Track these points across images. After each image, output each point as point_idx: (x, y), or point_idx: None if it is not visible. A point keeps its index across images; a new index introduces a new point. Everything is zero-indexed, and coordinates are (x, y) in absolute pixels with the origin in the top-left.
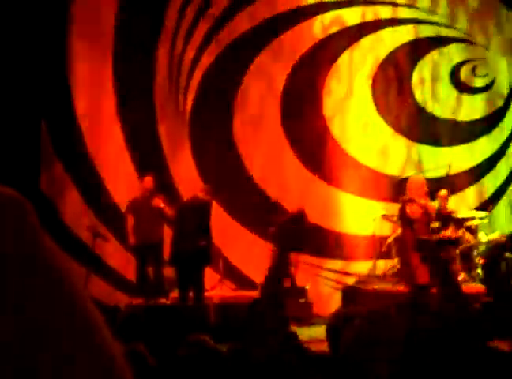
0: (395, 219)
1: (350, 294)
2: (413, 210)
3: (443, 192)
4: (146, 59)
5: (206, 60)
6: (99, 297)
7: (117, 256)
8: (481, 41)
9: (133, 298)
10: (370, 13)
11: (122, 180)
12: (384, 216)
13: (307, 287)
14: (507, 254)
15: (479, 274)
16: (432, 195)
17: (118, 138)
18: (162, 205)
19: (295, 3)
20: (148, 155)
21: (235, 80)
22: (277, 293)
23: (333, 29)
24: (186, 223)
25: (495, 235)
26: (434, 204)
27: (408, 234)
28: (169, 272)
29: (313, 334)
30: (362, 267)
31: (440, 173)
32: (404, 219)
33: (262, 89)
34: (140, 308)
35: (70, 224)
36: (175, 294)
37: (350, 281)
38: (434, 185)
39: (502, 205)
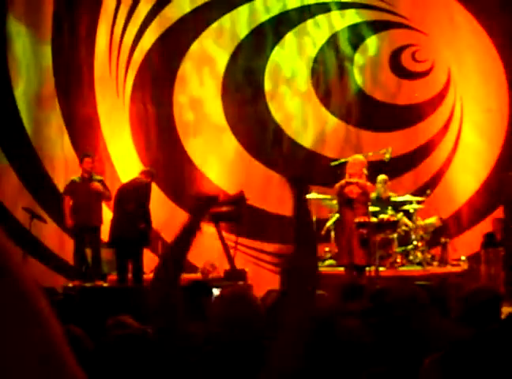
0: (334, 202)
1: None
2: (351, 189)
3: (382, 176)
4: (86, 40)
5: (147, 41)
6: (36, 278)
7: (54, 237)
8: (422, 26)
9: (70, 280)
10: None
11: (60, 161)
12: (323, 200)
13: (247, 270)
14: (442, 239)
15: (416, 257)
16: (371, 179)
17: (58, 119)
18: (101, 188)
19: None
20: (86, 136)
21: (176, 62)
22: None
23: (275, 12)
24: (125, 206)
25: (431, 220)
26: (371, 186)
27: (347, 216)
28: (108, 254)
29: None
30: None
31: (379, 157)
32: (342, 200)
33: (202, 71)
34: (77, 290)
35: (7, 205)
36: (113, 276)
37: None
38: (374, 170)
39: (439, 190)
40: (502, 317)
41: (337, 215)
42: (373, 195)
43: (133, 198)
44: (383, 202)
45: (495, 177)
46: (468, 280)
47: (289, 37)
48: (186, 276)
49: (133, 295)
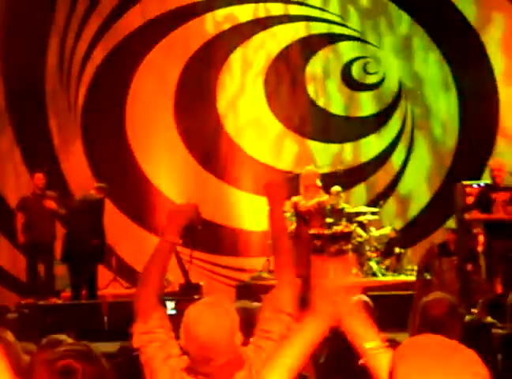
0: (289, 214)
1: (244, 290)
2: (306, 204)
3: (336, 188)
4: (36, 54)
5: (98, 55)
6: None
7: (6, 254)
8: (372, 39)
9: (23, 297)
10: (262, 9)
11: (12, 176)
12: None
13: (202, 284)
14: (397, 249)
15: (371, 268)
16: (325, 191)
17: (8, 133)
18: (54, 206)
19: (187, 0)
20: (38, 151)
21: (127, 76)
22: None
23: (225, 26)
24: (78, 221)
25: (385, 230)
26: (328, 199)
27: (302, 227)
28: (61, 270)
29: None
30: (256, 263)
31: (332, 169)
32: (297, 213)
33: (154, 85)
34: (30, 307)
35: None
36: (67, 293)
37: (245, 277)
38: (327, 181)
39: (392, 201)
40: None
41: (293, 227)
42: (327, 207)
43: (86, 214)
44: (337, 213)
45: (448, 187)
46: (421, 290)
47: (241, 50)
48: None
49: (87, 311)
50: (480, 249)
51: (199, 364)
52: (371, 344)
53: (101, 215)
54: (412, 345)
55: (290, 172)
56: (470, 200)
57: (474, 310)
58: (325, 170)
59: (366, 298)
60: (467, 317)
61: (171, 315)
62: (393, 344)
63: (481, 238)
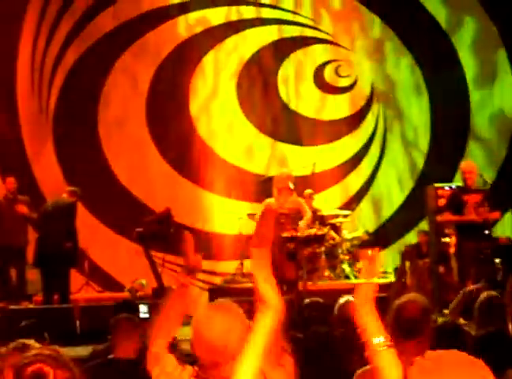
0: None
1: (217, 294)
2: (280, 204)
3: (308, 191)
4: (7, 57)
5: (70, 58)
6: None
7: None
8: (344, 42)
9: None
10: (235, 13)
11: None
12: (250, 215)
13: (175, 287)
14: (369, 252)
15: (343, 270)
16: (298, 194)
17: None
18: (26, 211)
19: (159, 3)
20: (10, 155)
21: (99, 80)
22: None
23: (198, 29)
24: (50, 226)
25: (358, 233)
26: (301, 203)
27: (276, 230)
28: (33, 274)
29: (182, 333)
30: (229, 266)
31: (305, 172)
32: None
33: (127, 89)
34: (2, 311)
35: None
36: (39, 297)
37: (217, 280)
38: (300, 184)
39: (364, 204)
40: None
41: None
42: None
43: (58, 217)
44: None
45: (420, 189)
46: (394, 292)
47: (213, 53)
48: (114, 295)
49: (59, 315)
50: (452, 250)
51: (208, 369)
52: (378, 340)
53: (73, 218)
54: (432, 359)
55: (263, 175)
56: (442, 202)
57: (446, 311)
58: (298, 173)
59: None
60: (439, 319)
61: (143, 319)
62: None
63: (453, 240)
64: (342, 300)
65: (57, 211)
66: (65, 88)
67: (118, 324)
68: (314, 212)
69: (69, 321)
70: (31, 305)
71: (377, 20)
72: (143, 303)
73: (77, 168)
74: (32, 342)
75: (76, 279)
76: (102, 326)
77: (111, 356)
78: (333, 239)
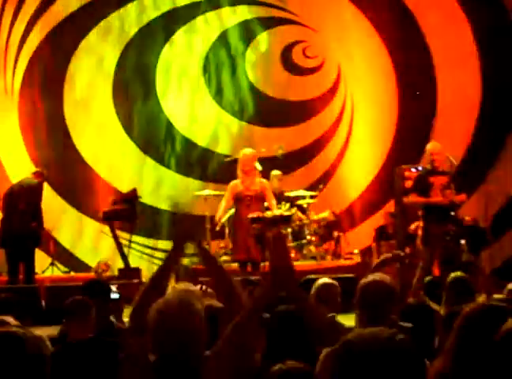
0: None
1: (184, 274)
2: (247, 187)
3: (276, 172)
4: None
5: (35, 38)
6: None
7: None
8: (311, 23)
9: None
10: None
11: None
12: (216, 196)
13: (141, 268)
14: (335, 233)
15: (310, 251)
16: (265, 175)
17: None
18: None
19: None
20: None
21: (65, 59)
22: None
23: (165, 8)
24: (15, 206)
25: (324, 214)
26: (266, 187)
27: (243, 212)
28: None
29: None
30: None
31: (272, 153)
32: (237, 198)
33: (92, 68)
34: None
35: None
36: (4, 277)
37: (184, 261)
38: (267, 165)
39: (331, 185)
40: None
41: (232, 211)
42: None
43: (23, 198)
44: (277, 197)
45: (387, 171)
46: (361, 274)
47: (181, 33)
48: (80, 276)
49: (24, 296)
50: (419, 232)
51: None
52: None
53: (38, 199)
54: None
55: (229, 156)
56: (409, 184)
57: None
58: (265, 154)
59: (333, 281)
60: (409, 300)
61: (114, 299)
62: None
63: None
64: (321, 281)
65: (21, 191)
66: (30, 68)
67: (73, 307)
68: (281, 193)
69: (35, 301)
70: None
71: (345, 0)
72: (112, 284)
73: (42, 149)
74: (10, 319)
75: (42, 259)
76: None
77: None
78: (300, 220)
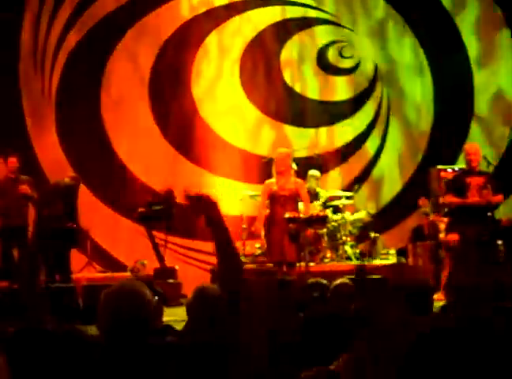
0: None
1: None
2: (281, 186)
3: (313, 172)
4: (10, 38)
5: (72, 40)
6: None
7: None
8: (347, 23)
9: None
10: None
11: None
12: (252, 196)
13: (177, 268)
14: (371, 234)
15: (346, 252)
16: (302, 175)
17: None
18: (29, 191)
19: None
20: (12, 136)
21: (101, 61)
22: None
23: (201, 10)
24: (51, 206)
25: (360, 215)
26: (302, 186)
27: (277, 212)
28: None
29: (182, 314)
30: None
31: (308, 153)
32: (272, 197)
33: (129, 70)
34: (5, 291)
35: None
36: (41, 277)
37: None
38: (303, 166)
39: (367, 185)
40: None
41: (267, 212)
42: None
43: (58, 198)
44: (312, 197)
45: (422, 171)
46: (396, 274)
47: (216, 34)
48: (116, 275)
49: (61, 295)
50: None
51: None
52: None
53: (73, 200)
54: None
55: (265, 157)
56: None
57: None
58: (301, 154)
59: (348, 281)
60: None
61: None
62: None
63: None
64: (337, 281)
65: (57, 192)
66: (67, 70)
67: None
68: (317, 193)
69: (72, 300)
70: None
71: (380, 0)
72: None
73: (79, 149)
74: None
75: (78, 259)
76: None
77: None
78: (335, 221)
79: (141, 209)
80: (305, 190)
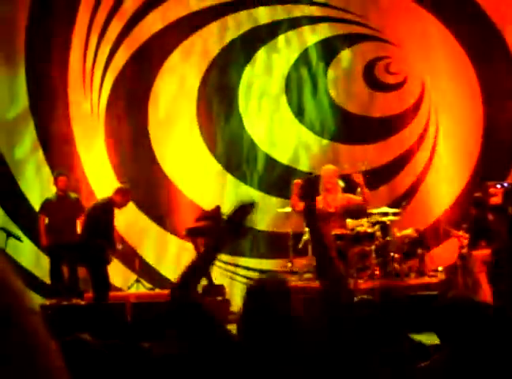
0: None
1: None
2: (328, 203)
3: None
4: (59, 58)
5: (120, 59)
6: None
7: (30, 256)
8: (393, 39)
9: (47, 298)
10: (283, 11)
11: (36, 179)
12: (299, 212)
13: (224, 285)
14: (419, 250)
15: (394, 269)
16: (351, 192)
17: (32, 136)
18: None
19: (208, 2)
20: (61, 154)
21: (149, 79)
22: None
23: (246, 28)
24: (85, 224)
25: (408, 231)
26: (350, 197)
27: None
28: (85, 271)
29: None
30: (278, 264)
31: (355, 170)
32: (319, 213)
33: (175, 88)
34: (54, 308)
35: None
36: (90, 294)
37: None
38: (349, 182)
39: (415, 202)
40: None
41: None
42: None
43: (90, 216)
44: (361, 214)
45: (472, 187)
46: (445, 291)
47: (262, 52)
48: (164, 292)
49: (110, 313)
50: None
51: None
52: None
53: (107, 217)
54: None
55: (310, 173)
56: (494, 200)
57: None
58: (348, 171)
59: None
60: None
61: None
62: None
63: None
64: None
65: (91, 210)
66: (115, 89)
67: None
68: (365, 209)
69: (122, 318)
70: (82, 302)
71: (426, 14)
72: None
73: (127, 167)
74: (86, 336)
75: (127, 276)
76: (153, 323)
77: None
78: (383, 237)
79: (188, 226)
80: (355, 197)
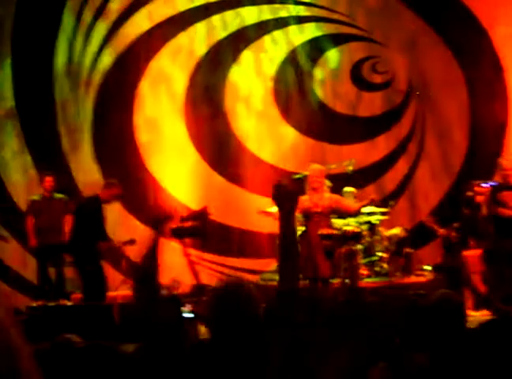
0: (299, 215)
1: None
2: (315, 202)
3: (348, 189)
4: (45, 59)
5: (105, 60)
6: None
7: (16, 257)
8: (380, 38)
9: (34, 299)
10: (269, 11)
11: (22, 180)
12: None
13: (212, 285)
14: (407, 249)
15: (381, 268)
16: (337, 192)
17: (19, 136)
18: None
19: (195, 2)
20: (48, 156)
21: (135, 80)
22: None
23: (233, 28)
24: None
25: (395, 231)
26: (339, 199)
27: (311, 229)
28: (71, 272)
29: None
30: (266, 264)
31: (342, 170)
32: (305, 213)
33: (161, 89)
34: (41, 309)
35: None
36: (77, 294)
37: (254, 278)
38: (338, 183)
39: (402, 201)
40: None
41: (303, 228)
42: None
43: (81, 214)
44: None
45: (458, 187)
46: (432, 290)
47: (248, 52)
48: None
49: (98, 313)
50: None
51: None
52: None
53: (95, 214)
54: None
55: (297, 173)
56: (480, 199)
57: None
58: (335, 171)
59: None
60: None
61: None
62: None
63: None
64: None
65: (79, 209)
66: (102, 89)
67: None
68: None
69: (109, 318)
70: (69, 303)
71: (412, 14)
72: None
73: (113, 168)
74: (74, 337)
75: (114, 277)
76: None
77: None
78: (371, 237)
79: (172, 226)
80: (342, 199)
